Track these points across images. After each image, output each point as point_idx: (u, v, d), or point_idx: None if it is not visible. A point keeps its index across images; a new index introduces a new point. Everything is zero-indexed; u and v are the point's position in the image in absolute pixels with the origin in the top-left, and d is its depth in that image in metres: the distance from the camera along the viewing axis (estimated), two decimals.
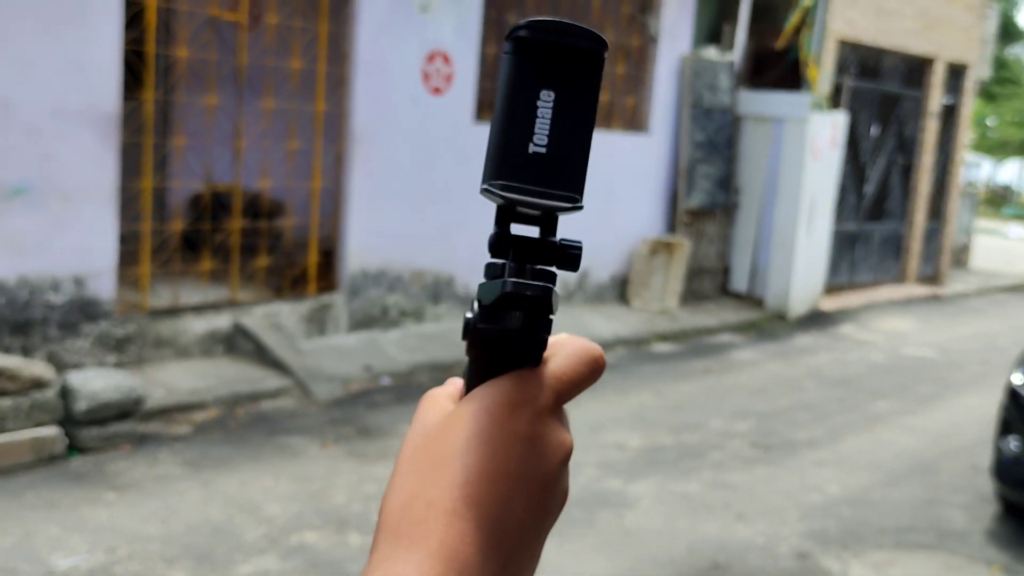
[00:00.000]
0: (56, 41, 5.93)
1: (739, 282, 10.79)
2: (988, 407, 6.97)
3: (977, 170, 31.87)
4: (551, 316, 0.57)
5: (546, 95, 0.55)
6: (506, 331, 0.57)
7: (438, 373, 7.31)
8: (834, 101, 11.45)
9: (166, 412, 5.95)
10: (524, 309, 0.57)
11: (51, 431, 5.26)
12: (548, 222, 0.59)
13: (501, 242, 0.58)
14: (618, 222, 9.64)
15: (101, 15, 6.08)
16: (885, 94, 12.55)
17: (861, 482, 5.79)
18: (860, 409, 7.35)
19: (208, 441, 5.67)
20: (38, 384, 5.28)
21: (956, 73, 13.73)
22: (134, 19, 6.44)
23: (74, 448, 5.34)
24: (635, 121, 9.92)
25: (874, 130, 12.58)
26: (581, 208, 0.56)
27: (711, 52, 10.32)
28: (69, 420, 5.36)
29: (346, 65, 7.54)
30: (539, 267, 0.58)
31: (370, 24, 7.51)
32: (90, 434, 5.35)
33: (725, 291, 10.84)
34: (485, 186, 0.55)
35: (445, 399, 0.61)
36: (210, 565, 4.20)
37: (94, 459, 5.27)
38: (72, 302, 6.23)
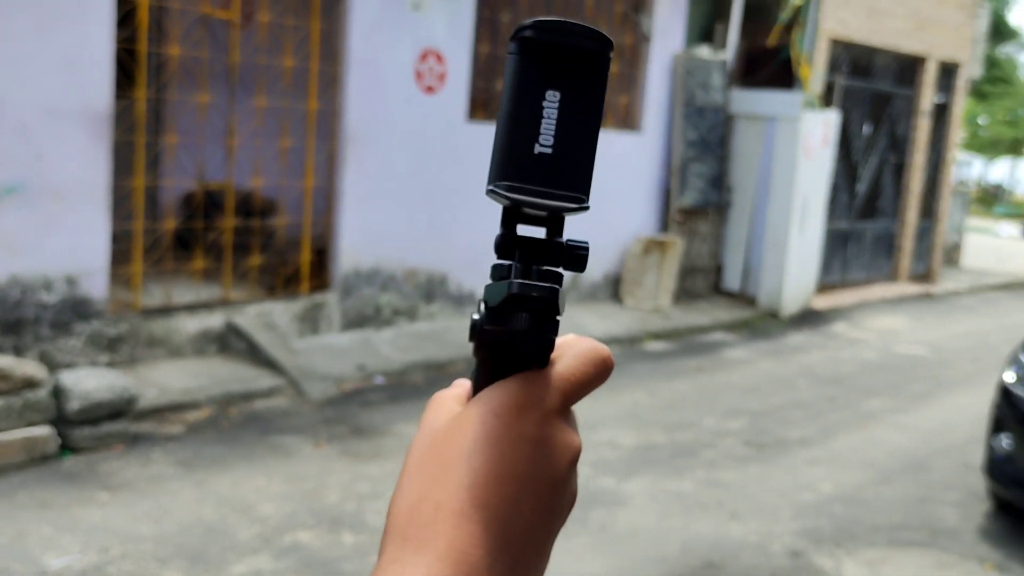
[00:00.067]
0: (48, 39, 5.91)
1: (732, 280, 10.80)
2: (980, 405, 6.99)
3: (968, 169, 31.96)
4: (558, 317, 0.57)
5: (552, 95, 0.55)
6: (513, 332, 0.57)
7: (431, 372, 7.31)
8: (826, 100, 11.47)
9: (159, 412, 5.93)
10: (530, 310, 0.56)
11: (43, 431, 5.24)
12: (554, 223, 0.58)
13: (507, 243, 0.58)
14: (611, 221, 9.64)
15: (93, 13, 6.06)
16: (877, 93, 12.58)
17: (854, 480, 5.81)
18: (852, 407, 7.37)
19: (201, 441, 5.66)
20: (30, 384, 5.26)
21: (948, 72, 13.76)
22: (126, 17, 6.42)
23: (67, 448, 5.32)
24: (628, 120, 9.92)
25: (866, 129, 12.61)
26: (587, 208, 0.56)
27: (704, 51, 10.32)
28: (61, 420, 5.34)
29: (338, 63, 7.52)
30: (545, 268, 0.58)
31: (362, 22, 7.50)
32: (83, 434, 5.34)
33: (718, 290, 10.85)
34: (491, 187, 0.55)
35: (452, 401, 0.61)
36: (203, 565, 4.19)
37: (87, 459, 5.26)
38: (64, 301, 6.21)
